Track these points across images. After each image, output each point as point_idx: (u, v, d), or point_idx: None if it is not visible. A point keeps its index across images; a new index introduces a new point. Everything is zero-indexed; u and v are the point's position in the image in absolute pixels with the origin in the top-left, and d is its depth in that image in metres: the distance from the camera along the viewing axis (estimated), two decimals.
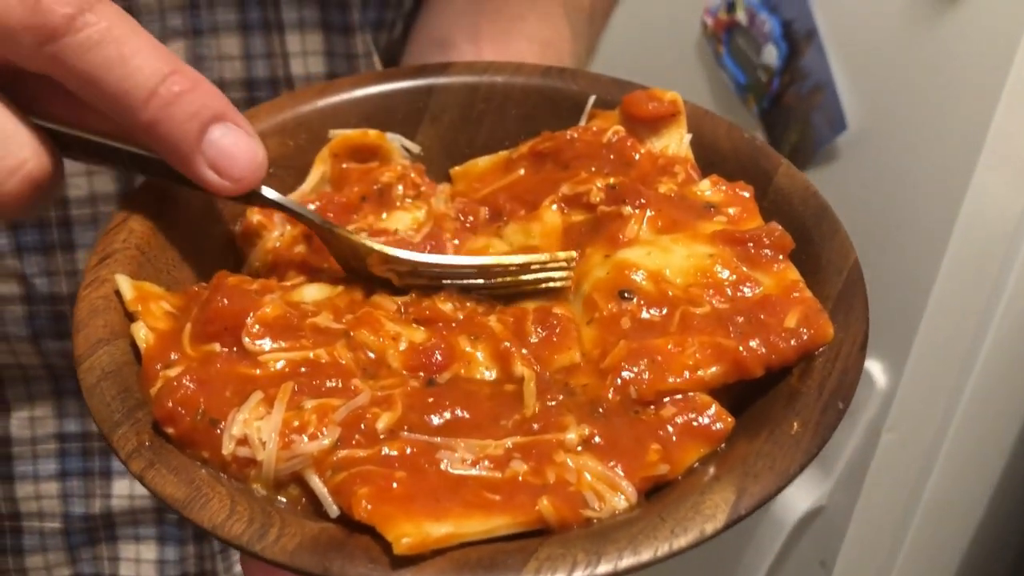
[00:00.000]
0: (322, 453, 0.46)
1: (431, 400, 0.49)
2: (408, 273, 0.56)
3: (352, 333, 0.52)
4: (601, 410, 0.49)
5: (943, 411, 1.53)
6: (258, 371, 0.49)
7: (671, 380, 0.49)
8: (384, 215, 0.61)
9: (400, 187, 0.62)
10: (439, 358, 0.52)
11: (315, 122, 0.64)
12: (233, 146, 0.53)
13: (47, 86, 0.53)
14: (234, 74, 0.80)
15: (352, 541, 0.44)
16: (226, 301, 0.51)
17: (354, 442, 0.46)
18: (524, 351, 0.52)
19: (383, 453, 0.46)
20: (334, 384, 0.49)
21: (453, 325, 0.54)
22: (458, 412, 0.49)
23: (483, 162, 0.65)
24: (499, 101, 0.66)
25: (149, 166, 0.56)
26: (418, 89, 0.66)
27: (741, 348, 0.50)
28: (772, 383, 0.51)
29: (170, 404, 0.48)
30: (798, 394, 0.49)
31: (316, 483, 0.46)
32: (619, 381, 0.49)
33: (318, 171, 0.64)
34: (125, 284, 0.54)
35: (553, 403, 0.49)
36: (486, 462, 0.46)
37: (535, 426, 0.48)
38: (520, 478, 0.45)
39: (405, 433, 0.47)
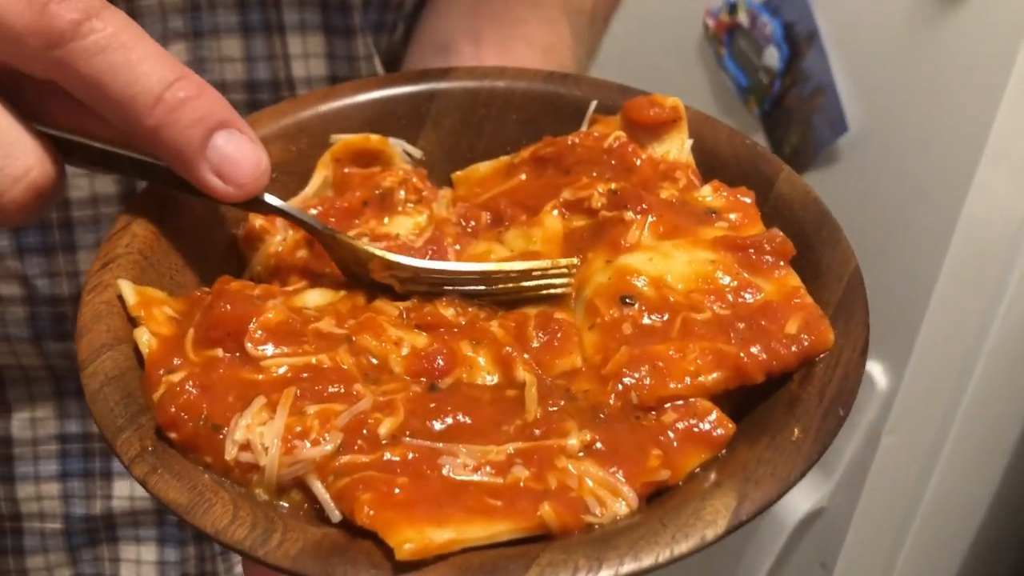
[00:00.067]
0: (324, 458, 0.46)
1: (433, 405, 0.49)
2: (410, 279, 0.56)
3: (354, 338, 0.52)
4: (602, 415, 0.49)
5: (944, 413, 1.53)
6: (261, 376, 0.50)
7: (672, 386, 0.49)
8: (386, 220, 0.61)
9: (402, 192, 0.62)
10: (441, 363, 0.52)
11: (317, 127, 0.64)
12: (237, 152, 0.54)
13: (50, 92, 0.54)
14: (235, 76, 0.80)
15: (354, 546, 0.44)
16: (229, 307, 0.51)
17: (356, 447, 0.47)
18: (526, 356, 0.52)
19: (385, 458, 0.46)
20: (336, 389, 0.49)
21: (455, 330, 0.54)
22: (460, 417, 0.49)
23: (485, 167, 0.66)
24: (501, 106, 0.66)
25: (151, 172, 0.56)
26: (420, 94, 0.66)
27: (742, 354, 0.50)
28: (773, 389, 0.51)
29: (173, 409, 0.48)
30: (799, 400, 0.49)
31: (318, 488, 0.46)
32: (620, 387, 0.50)
33: (320, 176, 0.64)
34: (128, 289, 0.54)
35: (555, 408, 0.49)
36: (488, 468, 0.46)
37: (537, 431, 0.48)
38: (522, 484, 0.46)
39: (407, 438, 0.47)
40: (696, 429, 0.49)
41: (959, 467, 1.58)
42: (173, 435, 0.48)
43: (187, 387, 0.48)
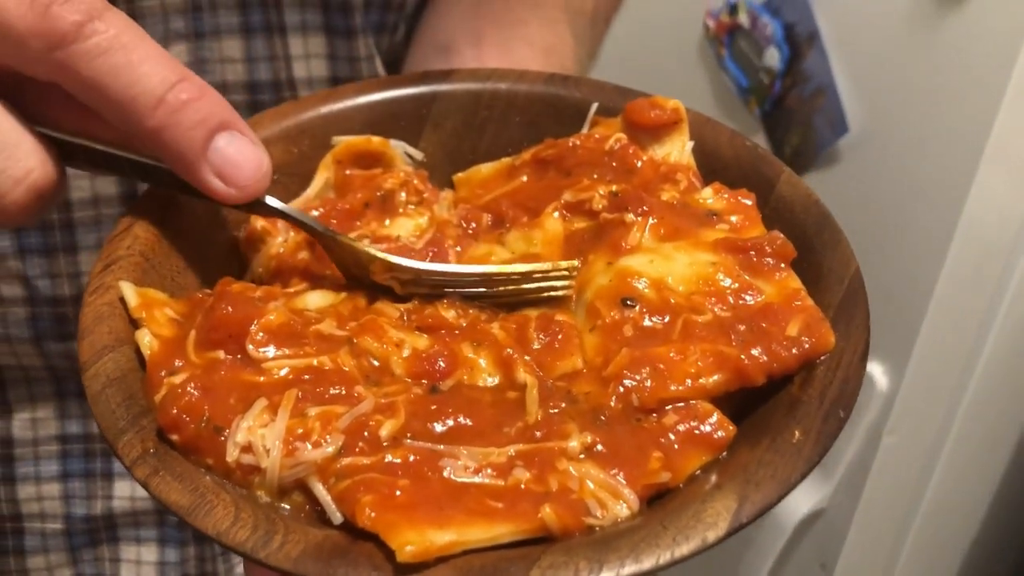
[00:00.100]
0: (326, 461, 0.46)
1: (434, 407, 0.49)
2: (411, 281, 0.56)
3: (355, 340, 0.52)
4: (603, 418, 0.49)
5: (944, 414, 1.53)
6: (262, 378, 0.50)
7: (673, 388, 0.49)
8: (387, 221, 0.62)
9: (403, 193, 0.62)
10: (442, 365, 0.52)
11: (318, 129, 0.64)
12: (238, 154, 0.54)
13: (51, 95, 0.54)
14: (236, 77, 0.80)
15: (356, 548, 0.44)
16: (230, 308, 0.51)
17: (357, 449, 0.47)
18: (527, 358, 0.52)
19: (386, 461, 0.46)
20: (338, 391, 0.49)
21: (456, 332, 0.54)
22: (461, 419, 0.49)
23: (486, 169, 0.66)
24: (502, 108, 0.66)
25: (152, 175, 0.56)
26: (421, 96, 0.66)
27: (743, 356, 0.50)
28: (773, 391, 0.51)
29: (174, 411, 0.48)
30: (799, 402, 0.49)
31: (320, 490, 0.46)
32: (621, 389, 0.50)
33: (322, 177, 0.64)
34: (129, 291, 0.54)
35: (555, 411, 0.50)
36: (489, 470, 0.46)
37: (537, 433, 0.48)
38: (523, 486, 0.46)
39: (408, 440, 0.47)
40: (697, 431, 0.49)
41: (959, 468, 1.59)
42: (175, 437, 0.48)
43: (189, 389, 0.48)
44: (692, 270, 0.55)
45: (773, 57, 1.53)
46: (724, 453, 0.49)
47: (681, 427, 0.49)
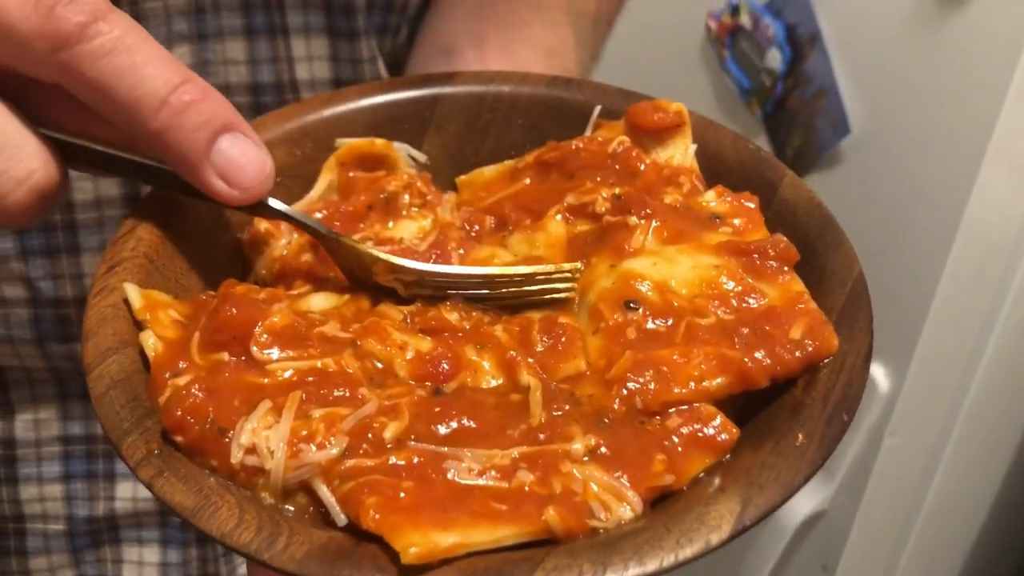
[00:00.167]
0: (330, 462, 0.46)
1: (438, 409, 0.49)
2: (414, 283, 0.56)
3: (359, 342, 0.52)
4: (607, 420, 0.49)
5: (946, 415, 1.53)
6: (266, 380, 0.50)
7: (676, 391, 0.49)
8: (390, 224, 0.62)
9: (406, 196, 0.62)
10: (446, 367, 0.52)
11: (322, 131, 0.65)
12: (241, 156, 0.54)
13: (54, 96, 0.54)
14: (239, 78, 0.80)
15: (360, 550, 0.44)
16: (234, 310, 0.51)
17: (362, 451, 0.47)
18: (530, 360, 0.52)
19: (390, 462, 0.46)
20: (342, 393, 0.49)
21: (459, 335, 0.54)
22: (465, 421, 0.49)
23: (489, 171, 0.66)
24: (505, 111, 0.66)
25: (155, 176, 0.56)
26: (424, 98, 0.66)
27: (746, 359, 0.50)
28: (777, 394, 0.51)
29: (179, 413, 0.48)
30: (803, 405, 0.49)
31: (324, 492, 0.46)
32: (625, 391, 0.50)
33: (325, 180, 0.64)
34: (133, 292, 0.54)
35: (559, 413, 0.50)
36: (493, 472, 0.46)
37: (541, 436, 0.48)
38: (526, 488, 0.46)
39: (412, 442, 0.47)
40: (700, 434, 0.49)
41: (961, 469, 1.59)
42: (179, 438, 0.48)
43: (193, 390, 0.48)
44: (695, 273, 0.55)
45: (775, 58, 1.53)
46: (727, 456, 0.49)
47: (684, 430, 0.49)
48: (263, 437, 0.47)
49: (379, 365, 0.52)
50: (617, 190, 0.59)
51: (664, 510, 0.46)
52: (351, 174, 0.64)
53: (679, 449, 0.48)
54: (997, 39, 1.29)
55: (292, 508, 0.47)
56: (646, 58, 1.62)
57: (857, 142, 1.48)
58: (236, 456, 0.47)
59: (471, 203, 0.64)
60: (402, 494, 0.44)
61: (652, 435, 0.49)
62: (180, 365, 0.51)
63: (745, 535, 0.45)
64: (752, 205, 0.59)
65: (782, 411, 0.50)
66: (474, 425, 0.49)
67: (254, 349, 0.51)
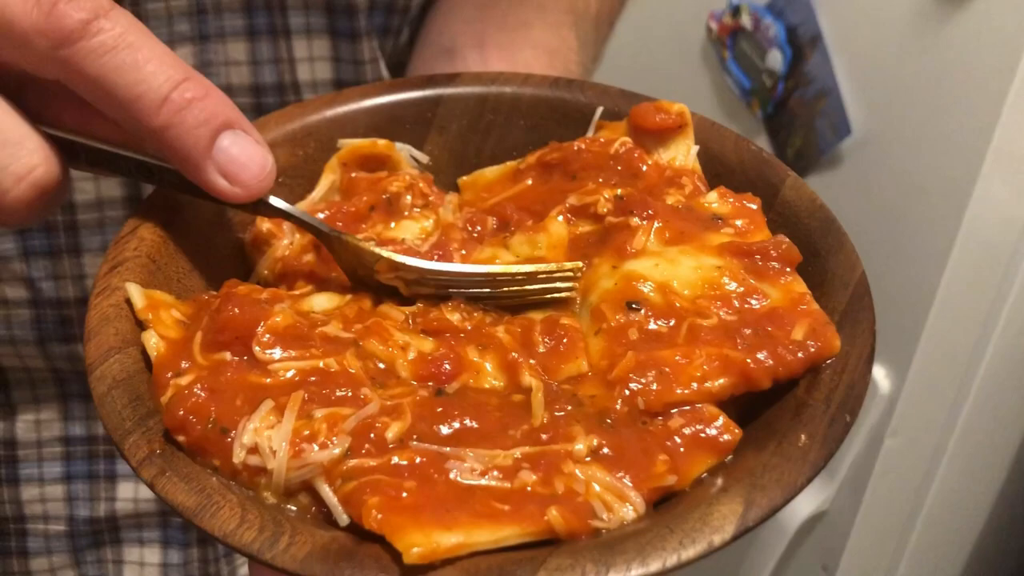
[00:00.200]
0: (332, 462, 0.46)
1: (440, 410, 0.49)
2: (415, 281, 0.56)
3: (361, 343, 0.52)
4: (609, 421, 0.49)
5: (946, 416, 1.53)
6: (268, 380, 0.50)
7: (679, 391, 0.49)
8: (392, 224, 0.62)
9: (408, 196, 0.62)
10: (448, 368, 0.52)
11: (324, 132, 0.65)
12: (243, 153, 0.54)
13: (55, 95, 0.54)
14: (241, 79, 0.80)
15: (362, 550, 0.44)
16: (237, 310, 0.51)
17: (364, 451, 0.47)
18: (532, 361, 0.52)
19: (393, 462, 0.46)
20: (344, 393, 0.49)
21: (461, 335, 0.54)
22: (467, 422, 0.49)
23: (491, 172, 0.66)
24: (507, 112, 0.66)
25: (156, 175, 0.56)
26: (426, 99, 0.66)
27: (749, 360, 0.50)
28: (779, 395, 0.51)
29: (181, 412, 0.48)
30: (805, 406, 0.49)
31: (326, 492, 0.46)
32: (627, 392, 0.50)
33: (327, 180, 0.64)
34: (136, 292, 0.54)
35: (561, 413, 0.50)
36: (495, 472, 0.46)
37: (543, 436, 0.48)
38: (529, 488, 0.46)
39: (414, 443, 0.47)
40: (703, 434, 0.49)
41: (962, 470, 1.58)
42: (181, 438, 0.48)
43: (195, 390, 0.48)
44: (697, 274, 0.55)
45: (776, 59, 1.53)
46: (730, 456, 0.49)
47: (687, 430, 0.49)
48: (265, 437, 0.47)
49: (381, 365, 0.52)
50: (619, 191, 0.59)
51: (667, 511, 0.46)
52: (353, 174, 0.64)
53: (681, 450, 0.48)
54: (998, 40, 1.29)
55: (294, 508, 0.47)
56: (647, 59, 1.62)
57: (858, 143, 1.48)
58: (238, 456, 0.47)
59: (473, 204, 0.64)
60: (404, 494, 0.44)
61: (654, 436, 0.49)
62: (182, 365, 0.51)
63: (746, 536, 0.45)
64: (754, 206, 0.59)
65: (785, 412, 0.50)
66: (476, 425, 0.49)
67: (256, 349, 0.51)
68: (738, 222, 0.58)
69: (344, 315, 0.55)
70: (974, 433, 1.55)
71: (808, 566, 1.70)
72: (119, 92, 0.51)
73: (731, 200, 0.60)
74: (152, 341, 0.52)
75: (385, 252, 0.56)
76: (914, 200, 1.43)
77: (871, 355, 0.51)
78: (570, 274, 0.56)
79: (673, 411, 0.49)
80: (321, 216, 0.61)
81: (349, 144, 0.64)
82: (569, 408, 0.50)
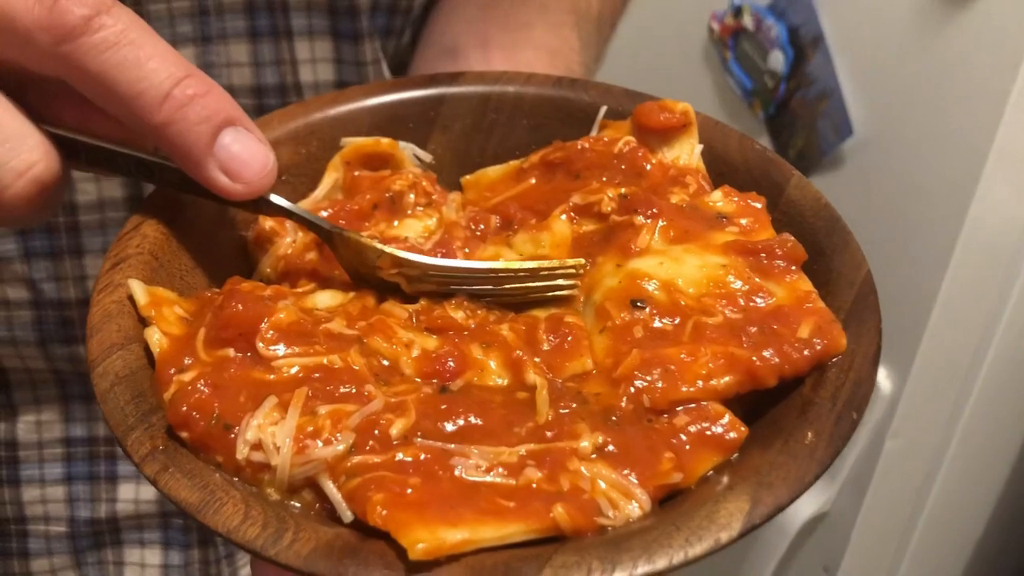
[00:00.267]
0: (336, 459, 0.46)
1: (444, 407, 0.49)
2: (417, 278, 0.56)
3: (365, 340, 0.52)
4: (614, 418, 0.49)
5: (948, 417, 1.53)
6: (272, 376, 0.50)
7: (684, 389, 0.49)
8: (395, 223, 0.62)
9: (411, 195, 0.62)
10: (452, 365, 0.52)
11: (327, 130, 0.64)
12: (244, 150, 0.54)
13: (55, 93, 0.54)
14: (243, 81, 0.80)
15: (367, 546, 0.44)
16: (240, 307, 0.51)
17: (368, 448, 0.47)
18: (536, 359, 0.52)
19: (397, 459, 0.46)
20: (348, 390, 0.49)
21: (465, 333, 0.54)
22: (471, 419, 0.49)
23: (494, 171, 0.66)
24: (510, 111, 0.66)
25: (156, 173, 0.56)
26: (429, 98, 0.66)
27: (754, 358, 0.50)
28: (785, 393, 0.51)
29: (184, 408, 0.48)
30: (811, 404, 0.49)
31: (330, 488, 0.46)
32: (632, 390, 0.50)
33: (330, 178, 0.64)
34: (138, 289, 0.54)
35: (566, 411, 0.49)
36: (500, 469, 0.46)
37: (548, 434, 0.48)
38: (534, 485, 0.46)
39: (419, 439, 0.47)
40: (708, 432, 0.49)
41: (963, 471, 1.58)
42: (184, 434, 0.48)
43: (198, 386, 0.48)
44: (702, 272, 0.55)
45: (777, 60, 1.53)
46: (736, 454, 0.49)
47: (692, 428, 0.49)
48: (269, 433, 0.47)
49: (385, 363, 0.52)
50: (623, 190, 0.59)
51: (673, 508, 0.46)
52: (356, 173, 0.64)
53: (687, 447, 0.48)
54: (1000, 41, 1.29)
55: (298, 504, 0.47)
56: (649, 59, 1.63)
57: (859, 144, 1.49)
58: (242, 452, 0.47)
59: (476, 203, 0.64)
60: (409, 490, 0.44)
61: (660, 433, 0.48)
62: (185, 361, 0.51)
63: (747, 536, 0.45)
64: (759, 205, 0.59)
65: (791, 410, 0.50)
66: (481, 422, 0.48)
67: (260, 345, 0.50)
68: (743, 221, 0.58)
69: (347, 312, 0.55)
70: (975, 434, 1.55)
71: (809, 567, 1.70)
72: (121, 88, 0.51)
73: (735, 199, 0.59)
74: (155, 337, 0.52)
75: (387, 248, 0.56)
76: (916, 201, 1.43)
77: (877, 353, 0.51)
78: (572, 271, 0.56)
79: (679, 409, 0.49)
80: (324, 214, 0.61)
81: (352, 143, 0.64)
82: (574, 406, 0.50)
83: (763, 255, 0.55)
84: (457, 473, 0.46)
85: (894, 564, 1.66)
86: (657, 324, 0.53)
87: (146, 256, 0.56)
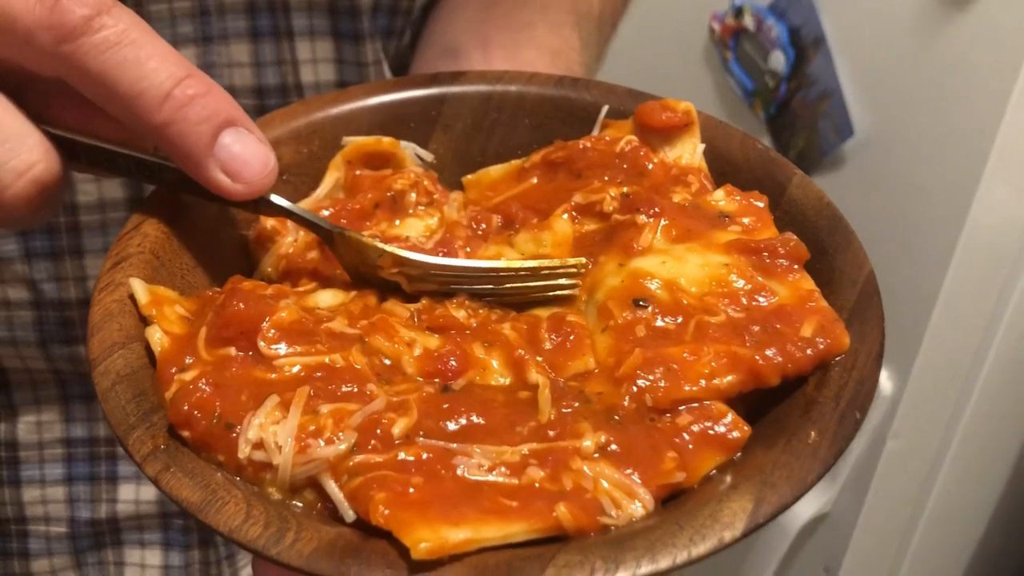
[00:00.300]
0: (338, 458, 0.46)
1: (446, 406, 0.49)
2: (418, 277, 0.56)
3: (367, 339, 0.52)
4: (617, 418, 0.49)
5: (948, 418, 1.53)
6: (274, 375, 0.49)
7: (687, 388, 0.49)
8: (397, 222, 0.62)
9: (413, 194, 0.62)
10: (454, 364, 0.52)
11: (328, 129, 0.64)
12: (245, 150, 0.54)
13: (55, 94, 0.54)
14: (244, 81, 0.80)
15: (369, 546, 0.44)
16: (242, 305, 0.51)
17: (370, 447, 0.46)
18: (538, 359, 0.52)
19: (399, 458, 0.46)
20: (350, 389, 0.49)
21: (467, 332, 0.54)
22: (474, 418, 0.48)
23: (495, 171, 0.66)
24: (512, 110, 0.66)
25: (156, 174, 0.56)
26: (431, 98, 0.66)
27: (757, 357, 0.50)
28: (788, 392, 0.51)
29: (186, 407, 0.48)
30: (814, 403, 0.49)
31: (332, 488, 0.46)
32: (635, 389, 0.49)
33: (331, 178, 0.64)
34: (140, 288, 0.54)
35: (568, 410, 0.49)
36: (502, 468, 0.46)
37: (551, 433, 0.48)
38: (537, 484, 0.45)
39: (421, 439, 0.47)
40: (711, 431, 0.48)
41: (963, 472, 1.58)
42: (186, 433, 0.48)
43: (200, 385, 0.48)
44: (705, 271, 0.55)
45: (778, 60, 1.53)
46: (739, 454, 0.49)
47: (695, 427, 0.48)
48: (271, 432, 0.47)
49: (387, 362, 0.52)
50: (625, 189, 0.59)
51: (676, 508, 0.46)
52: (358, 172, 0.63)
53: (690, 447, 0.48)
54: (1000, 42, 1.29)
55: (300, 504, 0.47)
56: (649, 60, 1.62)
57: (860, 145, 1.49)
58: (243, 451, 0.46)
59: (478, 202, 0.64)
60: (411, 490, 0.44)
61: (662, 433, 0.48)
62: (187, 360, 0.51)
63: (748, 537, 0.45)
64: (761, 204, 0.59)
65: (794, 409, 0.50)
66: (483, 422, 0.48)
67: (261, 344, 0.50)
68: (745, 220, 0.58)
69: (349, 311, 0.55)
70: (976, 434, 1.55)
71: (810, 568, 1.70)
72: (121, 88, 0.51)
73: (738, 198, 0.59)
74: (156, 336, 0.52)
75: (388, 247, 0.56)
76: (917, 201, 1.43)
77: (880, 352, 0.51)
78: (574, 270, 0.56)
79: (681, 408, 0.49)
80: (325, 214, 0.61)
81: (354, 142, 0.64)
82: (576, 405, 0.50)
83: (765, 254, 0.55)
84: (459, 472, 0.46)
85: (895, 564, 1.66)
86: (659, 323, 0.53)
87: (147, 255, 0.56)
